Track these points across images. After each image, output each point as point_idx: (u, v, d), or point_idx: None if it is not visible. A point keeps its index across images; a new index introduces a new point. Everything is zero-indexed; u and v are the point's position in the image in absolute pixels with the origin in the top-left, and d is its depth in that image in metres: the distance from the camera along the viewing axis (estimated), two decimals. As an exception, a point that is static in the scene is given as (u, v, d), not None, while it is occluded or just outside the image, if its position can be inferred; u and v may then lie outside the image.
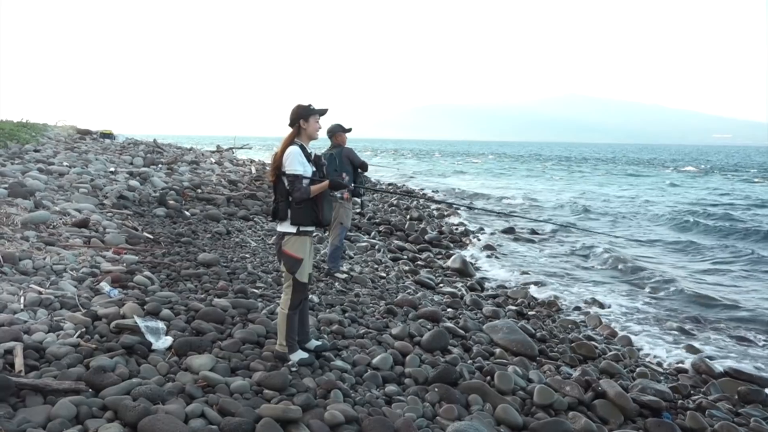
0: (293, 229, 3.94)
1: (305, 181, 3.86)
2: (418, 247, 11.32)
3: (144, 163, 14.94)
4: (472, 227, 15.35)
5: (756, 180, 38.66)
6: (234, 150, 26.58)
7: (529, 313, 7.46)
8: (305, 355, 4.08)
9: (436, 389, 4.08)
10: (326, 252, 7.44)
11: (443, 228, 14.25)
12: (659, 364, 6.09)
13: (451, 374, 4.30)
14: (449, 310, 6.80)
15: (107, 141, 20.53)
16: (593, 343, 6.36)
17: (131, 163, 14.65)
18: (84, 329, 4.07)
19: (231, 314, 4.79)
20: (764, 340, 7.06)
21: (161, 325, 4.18)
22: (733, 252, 12.64)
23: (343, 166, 6.69)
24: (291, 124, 3.99)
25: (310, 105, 3.98)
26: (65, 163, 12.19)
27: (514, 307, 7.56)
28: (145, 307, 4.56)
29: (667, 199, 25.33)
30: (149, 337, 3.98)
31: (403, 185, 27.24)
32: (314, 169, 4.01)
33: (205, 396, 3.36)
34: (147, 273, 5.77)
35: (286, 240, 3.97)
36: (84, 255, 6.15)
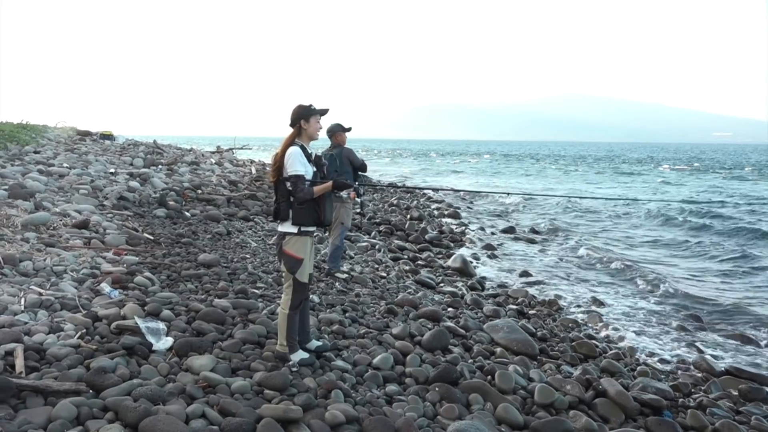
0: (294, 229, 3.94)
1: (307, 182, 3.86)
2: (418, 246, 11.32)
3: (144, 164, 14.93)
4: (472, 227, 15.36)
5: (750, 178, 38.80)
6: (234, 150, 26.59)
7: (530, 312, 7.45)
8: (306, 355, 4.07)
9: (437, 389, 4.08)
10: (326, 252, 7.44)
11: (443, 227, 14.27)
12: (660, 362, 6.09)
13: (451, 374, 4.30)
14: (450, 309, 6.81)
15: (107, 142, 20.52)
16: (594, 341, 6.36)
17: (131, 164, 14.65)
18: (84, 330, 4.07)
19: (231, 315, 4.79)
20: (765, 338, 7.06)
21: (162, 325, 4.18)
22: (730, 251, 12.62)
23: (343, 166, 6.70)
24: (292, 124, 3.99)
25: (311, 105, 3.98)
26: (65, 165, 12.20)
27: (514, 307, 7.55)
28: (145, 308, 4.56)
29: (659, 197, 25.47)
30: (150, 338, 3.98)
31: (403, 185, 27.28)
32: (315, 169, 4.02)
33: (206, 396, 3.36)
34: (147, 274, 5.77)
35: (287, 240, 3.97)
36: (84, 256, 6.15)
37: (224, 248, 7.87)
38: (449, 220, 16.25)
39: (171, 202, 10.67)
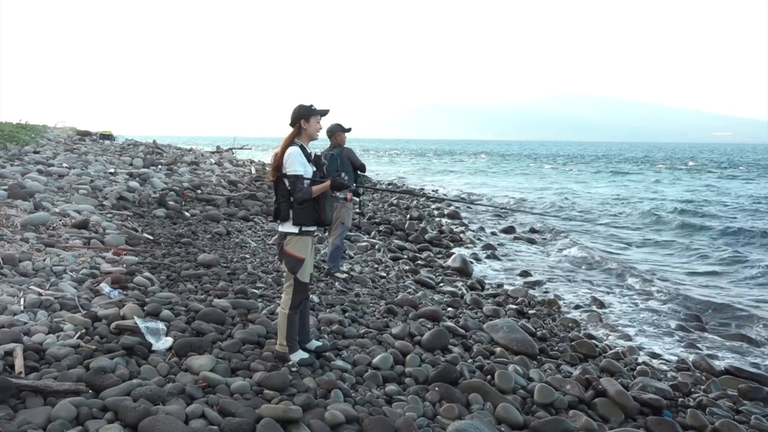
0: (295, 229, 3.94)
1: (306, 182, 3.86)
2: (418, 246, 11.33)
3: (144, 164, 14.94)
4: (472, 227, 15.36)
5: (744, 177, 38.87)
6: (234, 150, 26.61)
7: (530, 311, 7.45)
8: (305, 355, 4.07)
9: (437, 388, 4.08)
10: (326, 252, 7.44)
11: (443, 227, 14.27)
12: (660, 362, 6.09)
13: (451, 373, 4.30)
14: (449, 309, 6.80)
15: (107, 142, 20.53)
16: (594, 341, 6.36)
17: (131, 164, 14.65)
18: (84, 330, 4.07)
19: (231, 315, 4.79)
20: (764, 338, 7.06)
21: (161, 325, 4.18)
22: (728, 250, 12.61)
23: (343, 166, 6.71)
24: (292, 124, 3.99)
25: (311, 105, 3.98)
26: (65, 165, 12.20)
27: (514, 306, 7.55)
28: (145, 308, 4.56)
29: (652, 197, 25.52)
30: (149, 338, 3.98)
31: (403, 185, 27.28)
32: (314, 169, 4.02)
33: (206, 396, 3.35)
34: (147, 274, 5.76)
35: (288, 240, 3.97)
36: (84, 256, 6.15)
37: (224, 248, 7.87)
38: (449, 220, 16.26)
39: (171, 202, 10.67)
